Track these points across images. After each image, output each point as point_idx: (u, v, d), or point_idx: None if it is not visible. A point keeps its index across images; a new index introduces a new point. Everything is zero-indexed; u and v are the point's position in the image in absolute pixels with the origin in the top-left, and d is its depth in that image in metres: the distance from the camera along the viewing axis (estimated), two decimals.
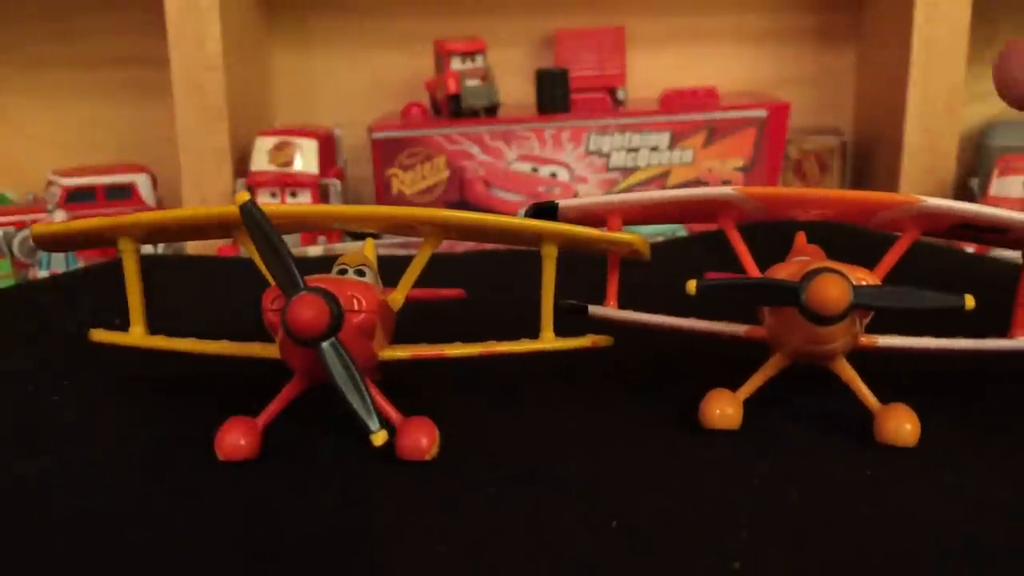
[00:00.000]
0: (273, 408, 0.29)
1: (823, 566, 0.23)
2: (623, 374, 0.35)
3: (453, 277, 0.46)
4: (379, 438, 0.26)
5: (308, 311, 0.26)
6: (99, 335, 0.33)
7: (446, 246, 0.59)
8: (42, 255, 0.80)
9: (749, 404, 0.30)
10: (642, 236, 0.32)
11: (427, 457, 0.28)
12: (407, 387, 0.31)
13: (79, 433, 0.31)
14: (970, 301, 0.28)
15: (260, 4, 1.01)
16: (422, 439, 0.28)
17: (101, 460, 0.29)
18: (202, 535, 0.25)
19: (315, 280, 0.27)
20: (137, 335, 0.32)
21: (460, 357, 0.31)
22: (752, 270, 0.31)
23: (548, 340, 0.31)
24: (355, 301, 0.27)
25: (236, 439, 0.28)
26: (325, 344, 0.26)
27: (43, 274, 0.79)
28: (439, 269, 0.52)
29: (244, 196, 0.26)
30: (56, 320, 0.40)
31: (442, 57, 0.91)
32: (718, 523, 0.25)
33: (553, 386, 0.34)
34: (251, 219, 0.26)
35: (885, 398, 0.30)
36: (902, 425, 0.29)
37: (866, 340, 0.30)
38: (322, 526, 0.25)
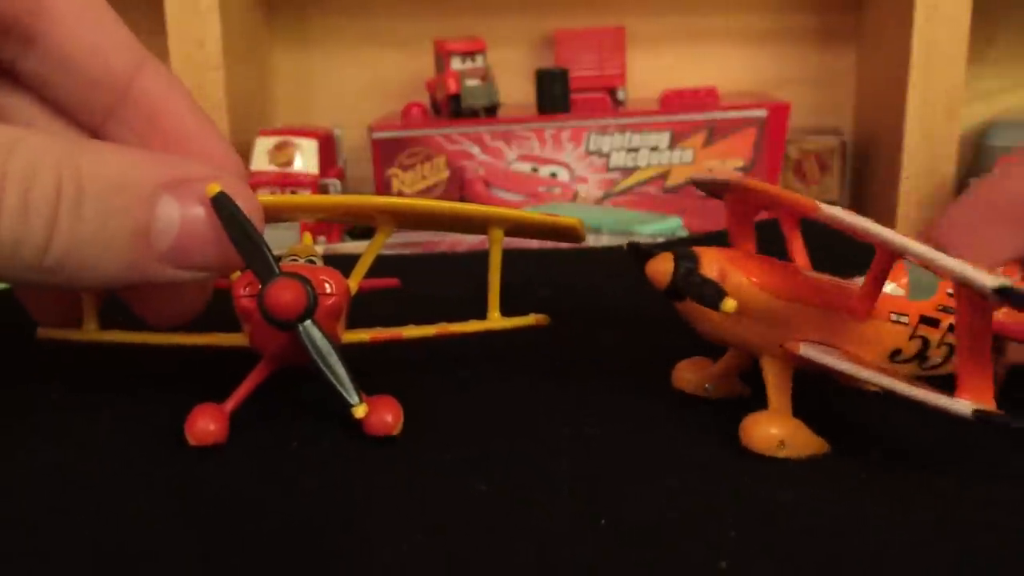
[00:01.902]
0: (240, 393, 0.30)
1: (812, 568, 0.23)
2: (616, 365, 0.35)
3: (454, 276, 0.46)
4: (360, 410, 0.28)
5: (287, 294, 0.27)
6: (46, 332, 0.33)
7: (446, 245, 0.60)
8: None
9: (744, 406, 0.30)
10: (579, 219, 0.34)
11: (394, 432, 0.29)
12: (407, 381, 0.31)
13: (55, 431, 0.31)
14: (729, 304, 0.27)
15: (260, 4, 1.01)
16: (387, 416, 0.29)
17: (74, 457, 0.29)
18: (180, 525, 0.25)
19: (286, 267, 0.28)
20: (90, 331, 0.32)
21: (417, 338, 0.33)
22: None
23: (495, 320, 0.34)
24: (327, 285, 0.29)
25: (206, 424, 0.29)
26: (304, 325, 0.27)
27: None
28: (439, 268, 0.52)
29: (215, 188, 0.26)
30: None
31: (442, 57, 0.91)
32: (706, 522, 0.25)
33: (543, 377, 0.34)
34: (224, 210, 0.26)
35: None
36: (762, 429, 0.28)
37: (790, 346, 0.29)
38: (302, 513, 0.26)
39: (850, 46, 1.03)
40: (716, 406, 0.32)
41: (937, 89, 0.86)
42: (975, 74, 0.95)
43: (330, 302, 0.28)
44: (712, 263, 0.29)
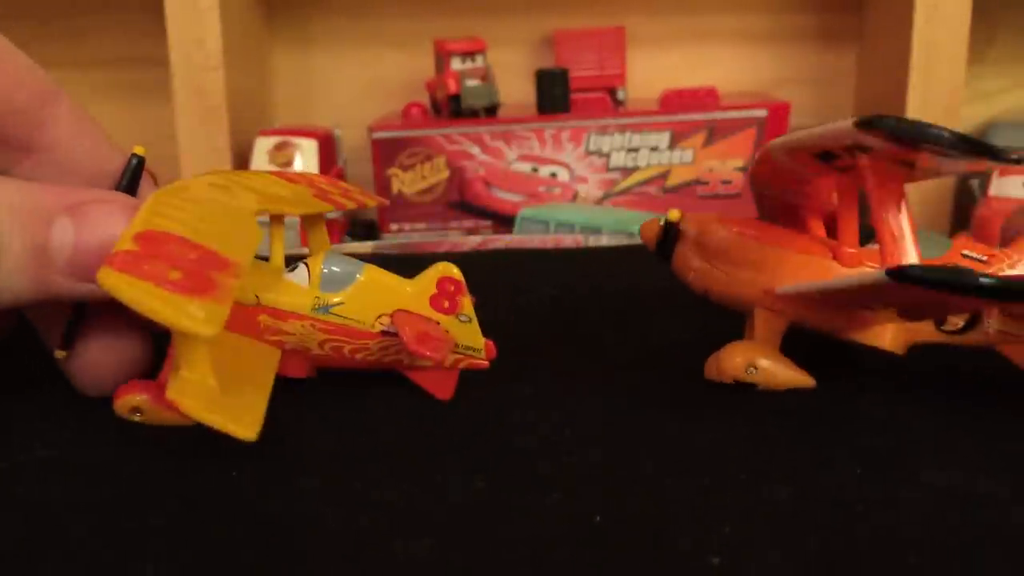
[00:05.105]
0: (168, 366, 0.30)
1: (805, 565, 0.23)
2: (616, 364, 0.35)
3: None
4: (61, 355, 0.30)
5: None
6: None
7: (448, 246, 0.60)
8: None
9: (738, 401, 0.30)
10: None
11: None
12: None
13: (43, 431, 0.31)
14: (673, 213, 0.32)
15: (260, 4, 1.01)
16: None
17: (62, 458, 0.29)
18: (175, 526, 0.25)
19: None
20: None
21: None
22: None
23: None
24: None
25: (132, 397, 0.29)
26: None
27: None
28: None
29: (140, 149, 0.29)
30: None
31: (442, 57, 0.91)
32: (701, 518, 0.25)
33: (544, 377, 0.34)
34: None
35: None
36: (730, 356, 0.30)
37: (772, 287, 0.31)
38: (300, 514, 0.26)
39: (850, 46, 1.03)
40: (717, 405, 0.32)
41: (937, 89, 0.86)
42: (975, 74, 0.95)
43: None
44: (692, 221, 0.33)
